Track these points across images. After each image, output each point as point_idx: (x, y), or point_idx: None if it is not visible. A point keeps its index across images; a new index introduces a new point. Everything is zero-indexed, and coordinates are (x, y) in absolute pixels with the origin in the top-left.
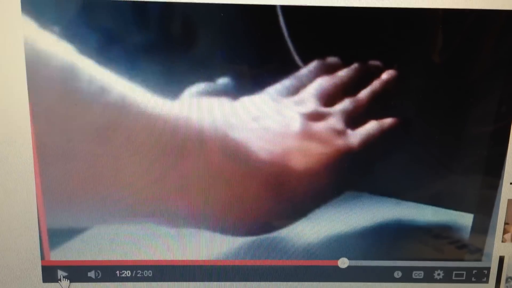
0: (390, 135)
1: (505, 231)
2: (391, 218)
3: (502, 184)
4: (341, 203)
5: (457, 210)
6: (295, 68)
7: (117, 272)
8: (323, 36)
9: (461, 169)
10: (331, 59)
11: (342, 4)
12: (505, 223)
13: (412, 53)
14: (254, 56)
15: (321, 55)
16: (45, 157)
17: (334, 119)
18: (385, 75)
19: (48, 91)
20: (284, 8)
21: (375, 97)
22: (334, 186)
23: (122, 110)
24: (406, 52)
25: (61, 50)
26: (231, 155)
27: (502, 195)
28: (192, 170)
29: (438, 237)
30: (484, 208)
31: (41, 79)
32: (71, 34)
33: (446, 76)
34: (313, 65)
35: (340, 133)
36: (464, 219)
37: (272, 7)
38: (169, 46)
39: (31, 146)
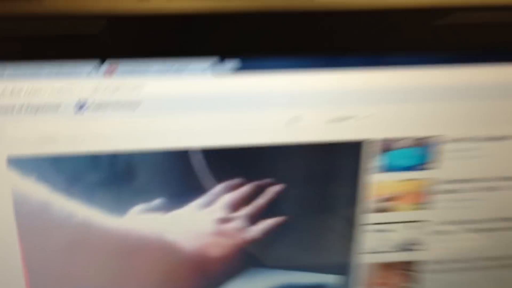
0: (281, 226)
1: None
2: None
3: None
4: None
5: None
6: (211, 187)
7: None
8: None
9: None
10: (236, 180)
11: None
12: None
13: (294, 172)
14: (181, 186)
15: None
16: None
17: (239, 220)
18: (274, 188)
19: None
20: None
21: (268, 202)
22: (236, 267)
23: (84, 229)
24: (290, 171)
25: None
26: (164, 254)
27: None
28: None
29: None
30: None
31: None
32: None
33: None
34: (223, 185)
35: (242, 230)
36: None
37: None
38: (117, 183)
39: None
